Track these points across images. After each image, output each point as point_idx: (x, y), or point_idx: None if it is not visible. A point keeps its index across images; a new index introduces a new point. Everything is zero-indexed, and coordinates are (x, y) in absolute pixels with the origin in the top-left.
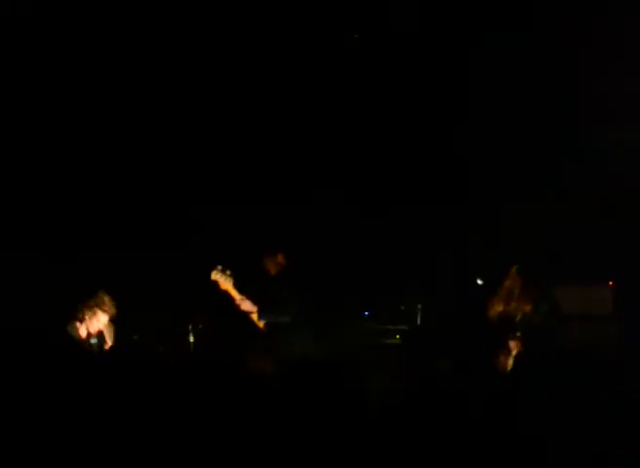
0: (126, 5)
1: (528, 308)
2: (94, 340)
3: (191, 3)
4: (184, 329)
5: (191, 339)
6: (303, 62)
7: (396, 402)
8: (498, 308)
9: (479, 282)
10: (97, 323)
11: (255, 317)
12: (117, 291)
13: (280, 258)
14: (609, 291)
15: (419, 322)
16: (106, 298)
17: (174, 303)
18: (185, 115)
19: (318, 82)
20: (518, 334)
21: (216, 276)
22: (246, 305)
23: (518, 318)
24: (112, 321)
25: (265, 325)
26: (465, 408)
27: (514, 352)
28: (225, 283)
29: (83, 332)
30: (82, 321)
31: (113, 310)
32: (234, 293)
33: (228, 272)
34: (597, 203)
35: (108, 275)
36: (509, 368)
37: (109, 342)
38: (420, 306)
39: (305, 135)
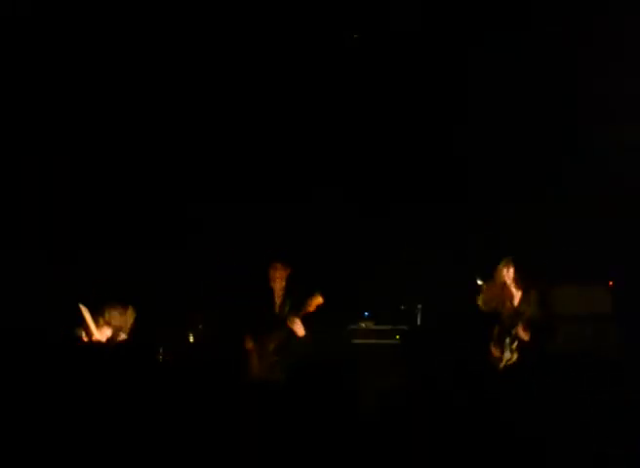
0: (126, 5)
1: (517, 299)
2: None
3: (191, 2)
4: (184, 329)
5: (191, 339)
6: (303, 62)
7: (396, 402)
8: (487, 299)
9: (479, 282)
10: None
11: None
12: (117, 290)
13: (286, 274)
14: (609, 291)
15: (419, 322)
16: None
17: (174, 303)
18: (185, 115)
19: (318, 82)
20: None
21: None
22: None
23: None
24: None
25: None
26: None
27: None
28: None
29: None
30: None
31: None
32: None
33: None
34: (597, 203)
35: (108, 275)
36: (512, 360)
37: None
38: (419, 306)
39: (305, 134)
